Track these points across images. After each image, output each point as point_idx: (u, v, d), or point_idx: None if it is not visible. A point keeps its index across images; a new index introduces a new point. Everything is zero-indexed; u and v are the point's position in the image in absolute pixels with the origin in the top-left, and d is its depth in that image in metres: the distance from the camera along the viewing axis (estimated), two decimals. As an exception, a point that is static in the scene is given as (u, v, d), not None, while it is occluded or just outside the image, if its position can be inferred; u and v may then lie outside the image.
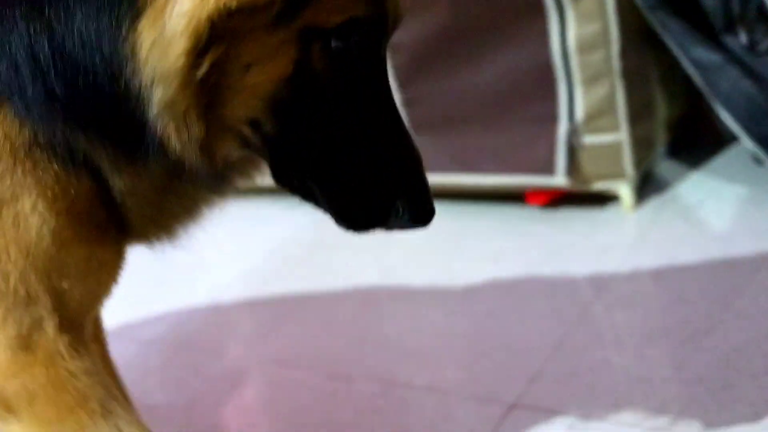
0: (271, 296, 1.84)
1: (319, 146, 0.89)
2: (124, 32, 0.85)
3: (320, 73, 0.85)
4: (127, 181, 0.96)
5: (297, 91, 0.86)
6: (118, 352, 1.28)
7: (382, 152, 0.90)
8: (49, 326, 0.96)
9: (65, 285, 0.96)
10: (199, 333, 1.76)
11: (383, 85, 0.92)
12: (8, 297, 0.95)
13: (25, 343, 0.97)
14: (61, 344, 0.96)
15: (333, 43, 0.85)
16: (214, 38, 0.81)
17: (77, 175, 0.94)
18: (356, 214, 0.91)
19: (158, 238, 1.05)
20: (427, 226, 0.92)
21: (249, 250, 2.08)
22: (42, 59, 0.89)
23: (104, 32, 0.87)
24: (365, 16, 0.85)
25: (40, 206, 0.94)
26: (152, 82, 0.85)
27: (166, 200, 1.02)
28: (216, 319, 1.80)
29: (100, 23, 0.87)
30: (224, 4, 0.79)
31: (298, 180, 0.93)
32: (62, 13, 0.88)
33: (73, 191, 0.94)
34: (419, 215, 0.91)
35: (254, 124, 0.89)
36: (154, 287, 1.86)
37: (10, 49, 0.89)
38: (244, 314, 1.82)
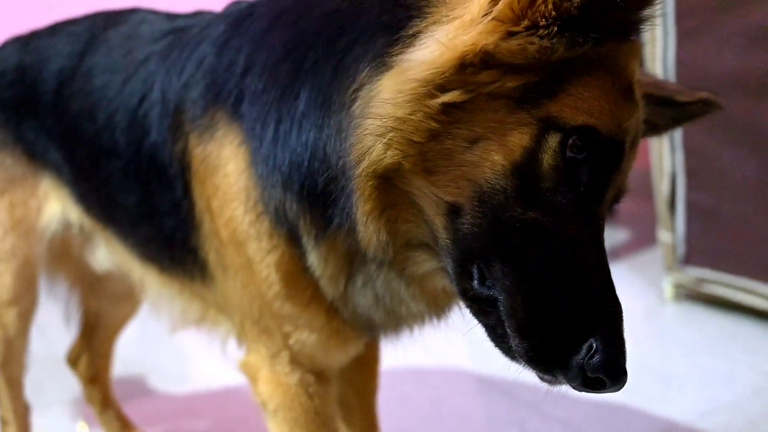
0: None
1: (519, 249, 0.83)
2: (359, 84, 0.89)
3: (546, 172, 0.82)
4: (320, 254, 1.03)
5: (516, 184, 0.82)
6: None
7: (587, 274, 0.82)
8: (284, 358, 1.14)
9: (288, 329, 1.10)
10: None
11: (596, 216, 0.85)
12: (259, 324, 1.13)
13: (272, 364, 1.15)
14: (293, 379, 1.15)
15: (567, 153, 0.82)
16: (459, 82, 0.81)
17: (284, 237, 1.04)
18: (541, 333, 0.81)
19: (357, 324, 1.10)
20: (616, 388, 0.80)
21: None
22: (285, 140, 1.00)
23: (326, 99, 0.95)
24: (606, 133, 0.83)
25: (260, 255, 1.07)
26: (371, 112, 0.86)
27: (355, 284, 1.06)
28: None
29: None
30: (484, 47, 0.80)
31: (481, 286, 0.87)
32: (299, 93, 0.99)
33: (281, 250, 1.05)
34: (613, 362, 0.79)
35: (453, 211, 0.86)
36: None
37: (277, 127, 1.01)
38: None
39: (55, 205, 1.45)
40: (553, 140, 0.82)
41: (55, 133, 1.37)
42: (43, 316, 1.67)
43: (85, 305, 1.83)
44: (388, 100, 0.84)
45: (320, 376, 1.17)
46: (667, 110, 1.09)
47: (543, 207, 0.83)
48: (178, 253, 1.22)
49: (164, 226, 1.21)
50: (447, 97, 0.82)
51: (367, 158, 0.86)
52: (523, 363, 0.84)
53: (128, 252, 1.35)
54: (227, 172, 1.07)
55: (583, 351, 0.79)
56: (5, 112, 1.44)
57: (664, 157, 2.42)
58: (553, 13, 0.80)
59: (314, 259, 1.04)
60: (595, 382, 0.79)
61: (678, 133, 2.35)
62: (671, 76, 2.31)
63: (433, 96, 0.82)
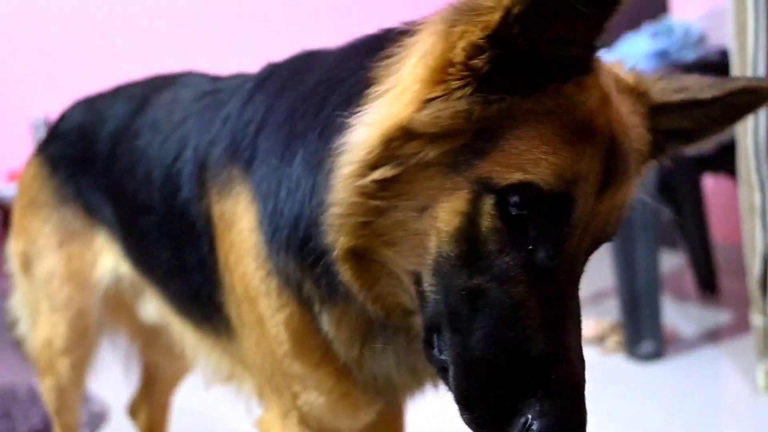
0: None
1: (465, 317, 0.82)
2: (331, 161, 0.90)
3: (486, 234, 0.80)
4: (332, 317, 1.03)
5: (460, 250, 0.82)
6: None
7: (528, 341, 0.79)
8: (294, 418, 1.13)
9: (297, 389, 1.09)
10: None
11: (553, 274, 0.81)
12: (271, 382, 1.13)
13: (284, 423, 1.13)
14: None
15: (507, 208, 0.79)
16: (389, 158, 0.82)
17: (294, 298, 1.05)
18: (478, 405, 0.81)
19: (370, 388, 1.09)
20: None
21: None
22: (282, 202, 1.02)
23: (315, 167, 0.96)
24: (545, 187, 0.78)
25: (269, 312, 1.07)
26: (331, 199, 0.88)
27: (368, 348, 1.06)
28: None
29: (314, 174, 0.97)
30: (400, 122, 0.81)
31: (439, 354, 0.87)
32: (293, 158, 1.01)
33: (290, 309, 1.06)
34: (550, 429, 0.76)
35: (417, 278, 0.87)
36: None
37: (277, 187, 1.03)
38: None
39: (109, 259, 1.51)
40: (487, 202, 0.79)
41: (107, 189, 1.45)
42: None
43: (144, 358, 1.89)
44: (338, 185, 0.86)
45: None
46: (697, 112, 0.98)
47: (488, 271, 0.80)
48: (206, 309, 1.25)
49: (193, 282, 1.24)
50: (377, 174, 0.82)
51: (334, 244, 0.89)
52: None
53: (167, 306, 1.39)
54: (241, 229, 1.09)
55: (520, 425, 0.77)
56: (68, 168, 1.54)
57: (756, 234, 2.26)
58: (464, 72, 0.78)
59: (326, 321, 1.04)
60: None
61: (771, 210, 2.20)
62: (763, 150, 2.17)
63: (364, 175, 0.82)
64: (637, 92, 0.95)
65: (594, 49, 0.81)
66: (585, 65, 0.82)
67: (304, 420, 1.11)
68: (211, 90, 1.31)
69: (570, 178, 0.79)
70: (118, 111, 1.47)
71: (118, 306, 1.62)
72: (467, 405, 0.82)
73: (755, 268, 2.28)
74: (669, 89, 0.97)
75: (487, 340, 0.80)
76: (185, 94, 1.35)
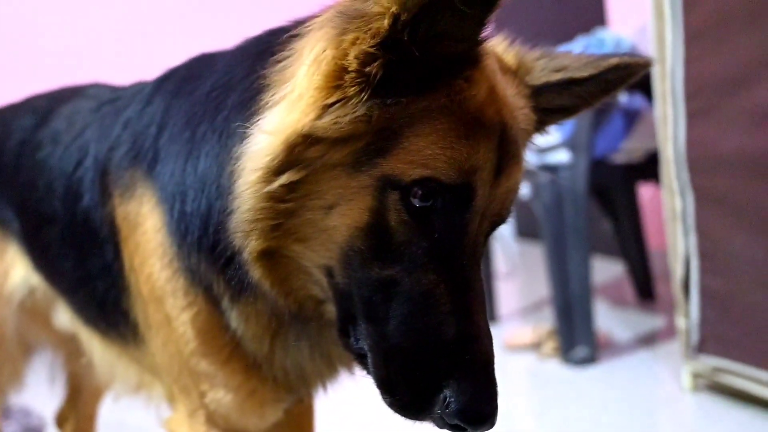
0: None
1: (379, 306, 0.86)
2: (232, 165, 0.93)
3: (394, 228, 0.85)
4: (240, 314, 1.05)
5: (370, 244, 0.85)
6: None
7: (441, 325, 0.84)
8: (200, 417, 1.13)
9: (204, 387, 1.10)
10: None
11: (458, 259, 0.86)
12: (178, 382, 1.13)
13: (191, 423, 1.15)
14: None
15: (411, 201, 0.84)
16: (293, 162, 0.84)
17: (202, 296, 1.06)
18: (399, 389, 0.85)
19: (280, 382, 1.11)
20: (481, 430, 0.82)
21: None
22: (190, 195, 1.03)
23: (219, 170, 0.99)
24: (447, 181, 0.83)
25: (176, 311, 1.08)
26: (237, 204, 0.90)
27: (279, 342, 1.07)
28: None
29: (217, 164, 0.99)
30: (301, 129, 0.83)
31: (356, 342, 0.91)
32: (197, 161, 1.03)
33: (197, 308, 1.07)
34: (468, 411, 0.81)
35: (329, 273, 0.90)
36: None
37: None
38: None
39: (21, 271, 1.51)
40: (393, 198, 0.83)
41: (14, 202, 1.45)
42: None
43: (69, 368, 1.87)
44: (241, 192, 0.88)
45: None
46: (575, 89, 1.04)
47: (399, 262, 0.85)
48: (112, 316, 1.25)
49: (98, 289, 1.24)
50: (283, 179, 0.85)
51: (245, 246, 0.92)
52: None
53: (76, 317, 1.39)
54: (146, 230, 1.10)
55: (439, 403, 0.82)
56: None
57: (678, 238, 2.33)
58: (359, 79, 0.81)
59: (234, 319, 1.05)
60: (458, 426, 0.82)
61: (690, 215, 2.27)
62: (682, 156, 2.25)
63: (271, 181, 0.85)
64: (519, 74, 1.01)
65: (478, 43, 0.85)
66: (472, 59, 0.87)
67: (210, 418, 1.13)
68: (111, 99, 1.32)
69: (468, 169, 0.84)
70: (22, 123, 1.48)
71: (35, 317, 1.61)
72: (388, 389, 0.86)
73: (678, 271, 2.35)
74: (549, 68, 1.03)
75: (402, 328, 0.84)
76: (86, 105, 1.36)
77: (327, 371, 1.12)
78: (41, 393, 1.96)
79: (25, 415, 2.56)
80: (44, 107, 1.46)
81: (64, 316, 1.51)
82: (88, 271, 1.25)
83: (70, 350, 1.80)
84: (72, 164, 1.27)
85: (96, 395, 1.94)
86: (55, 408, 2.01)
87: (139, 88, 1.27)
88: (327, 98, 0.82)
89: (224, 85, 1.03)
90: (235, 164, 0.92)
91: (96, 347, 1.38)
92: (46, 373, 1.90)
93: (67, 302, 1.39)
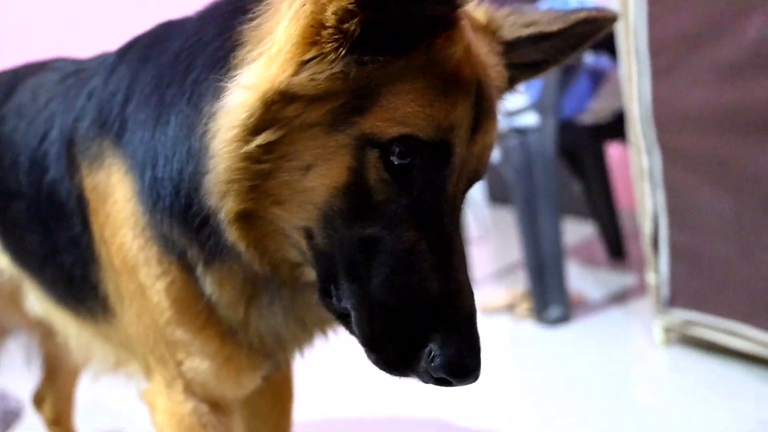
0: None
1: (361, 265, 0.86)
2: (204, 125, 0.92)
3: (374, 186, 0.85)
4: (215, 280, 1.04)
5: (350, 203, 0.85)
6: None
7: (423, 281, 0.85)
8: (178, 387, 1.13)
9: (180, 356, 1.09)
10: None
11: (438, 216, 0.87)
12: (154, 352, 1.12)
13: (168, 393, 1.14)
14: (186, 408, 1.14)
15: (390, 159, 0.84)
16: (270, 121, 0.83)
17: (176, 264, 1.05)
18: (384, 345, 0.86)
19: (256, 348, 1.10)
20: (465, 383, 0.84)
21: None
22: (160, 158, 1.02)
23: (189, 132, 0.97)
24: (425, 138, 0.84)
25: (150, 280, 1.07)
26: (213, 164, 0.89)
27: (254, 307, 1.07)
28: None
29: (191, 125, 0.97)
30: (278, 86, 0.82)
31: (338, 302, 0.91)
32: (166, 126, 1.01)
33: (171, 276, 1.06)
34: (453, 363, 0.82)
35: (308, 235, 0.90)
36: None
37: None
38: None
39: None
40: (372, 156, 0.84)
41: None
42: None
43: (44, 348, 1.86)
44: (217, 151, 0.88)
45: (215, 406, 1.16)
46: (545, 44, 1.06)
47: (380, 220, 0.85)
48: (81, 291, 1.23)
49: (65, 263, 1.22)
50: (261, 139, 0.84)
51: (220, 207, 0.91)
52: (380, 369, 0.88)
53: (46, 297, 1.37)
54: (116, 199, 1.09)
55: (424, 357, 0.82)
56: None
57: (645, 195, 2.36)
58: (337, 35, 0.81)
59: (209, 285, 1.05)
60: (443, 380, 0.83)
61: (658, 173, 2.29)
62: (648, 114, 2.27)
63: (247, 141, 0.84)
64: (491, 31, 1.01)
65: (458, 5, 0.86)
66: (451, 20, 0.87)
67: (188, 387, 1.13)
68: (75, 70, 1.30)
69: (447, 127, 0.85)
70: None
71: (5, 300, 1.59)
72: (373, 347, 0.87)
73: (647, 228, 2.38)
74: (519, 24, 1.04)
75: (386, 285, 0.85)
76: (50, 77, 1.33)
77: (302, 335, 1.13)
78: (18, 377, 1.94)
79: (2, 398, 2.54)
80: (8, 82, 1.43)
81: (32, 297, 1.49)
82: (55, 245, 1.23)
83: (45, 331, 1.78)
84: (37, 137, 1.24)
85: (73, 375, 1.92)
86: (32, 390, 2.00)
87: (103, 58, 1.24)
88: (304, 54, 0.82)
89: (194, 45, 1.02)
90: (207, 123, 0.91)
91: (70, 327, 1.37)
92: (22, 355, 1.89)
93: (36, 282, 1.37)
